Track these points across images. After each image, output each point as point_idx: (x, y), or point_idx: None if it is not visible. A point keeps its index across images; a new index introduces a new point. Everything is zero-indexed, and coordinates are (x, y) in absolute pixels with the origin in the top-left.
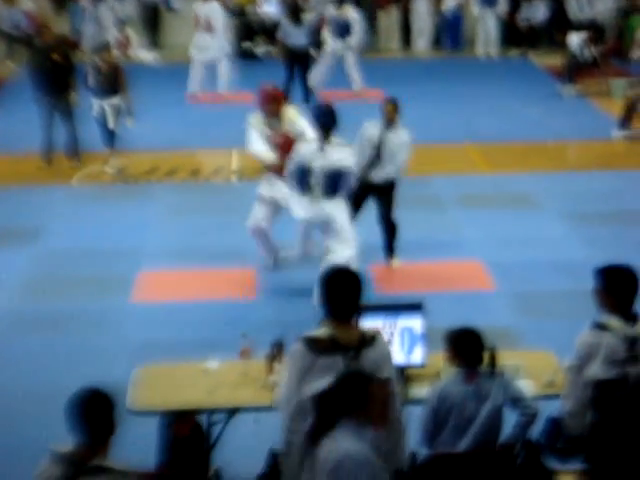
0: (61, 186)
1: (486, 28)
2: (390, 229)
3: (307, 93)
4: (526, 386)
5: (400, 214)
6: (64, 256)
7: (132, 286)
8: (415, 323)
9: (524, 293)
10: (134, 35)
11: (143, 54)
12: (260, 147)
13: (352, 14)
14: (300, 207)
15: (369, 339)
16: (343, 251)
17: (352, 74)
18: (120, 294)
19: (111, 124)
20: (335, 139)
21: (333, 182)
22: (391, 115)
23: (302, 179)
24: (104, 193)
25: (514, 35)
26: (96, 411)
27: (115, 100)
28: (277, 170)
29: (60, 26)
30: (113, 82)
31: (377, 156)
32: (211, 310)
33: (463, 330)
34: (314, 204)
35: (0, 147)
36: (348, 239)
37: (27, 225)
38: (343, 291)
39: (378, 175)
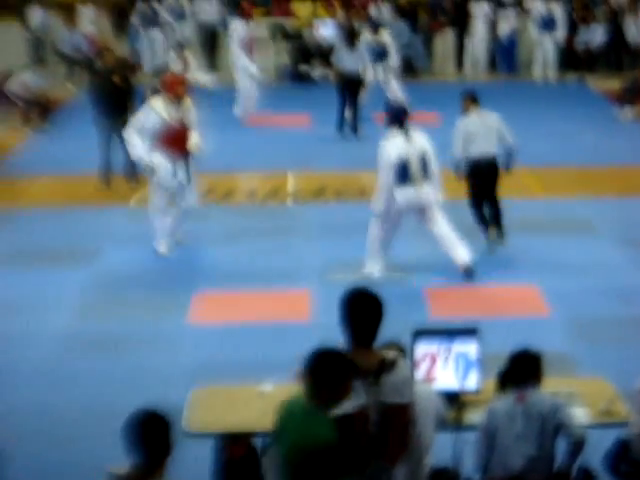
0: (119, 207)
1: (544, 52)
2: (498, 206)
3: (356, 119)
4: (580, 414)
5: None
6: (122, 277)
7: (188, 307)
8: (470, 348)
9: (580, 319)
10: (192, 57)
11: (200, 76)
12: (140, 150)
13: (387, 38)
14: (403, 198)
15: (389, 364)
16: (446, 229)
17: (397, 97)
18: (177, 315)
19: None
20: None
21: (425, 165)
22: (466, 106)
23: (404, 171)
24: None
25: (572, 59)
26: (153, 432)
27: None
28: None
29: (120, 49)
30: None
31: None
32: (267, 332)
33: (517, 351)
34: (417, 190)
35: (59, 168)
36: (442, 219)
37: (85, 246)
38: (363, 316)
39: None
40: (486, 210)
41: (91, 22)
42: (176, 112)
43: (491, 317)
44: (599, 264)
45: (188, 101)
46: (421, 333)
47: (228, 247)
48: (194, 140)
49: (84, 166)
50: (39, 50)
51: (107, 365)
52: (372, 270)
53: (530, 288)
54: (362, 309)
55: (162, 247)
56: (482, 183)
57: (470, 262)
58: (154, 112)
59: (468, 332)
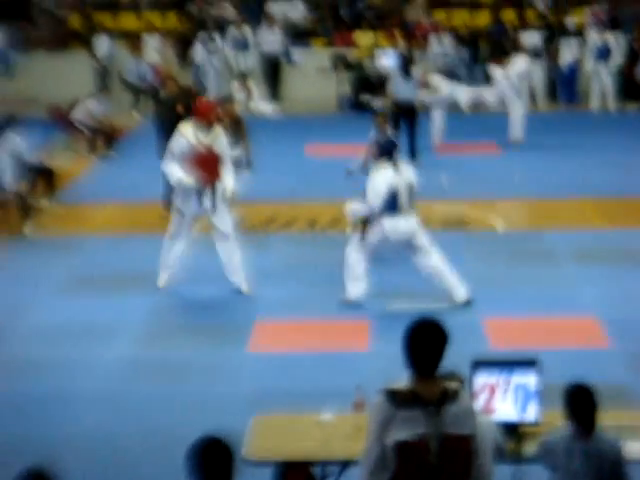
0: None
1: (601, 82)
2: None
3: (414, 149)
4: (638, 448)
5: (515, 268)
6: (183, 304)
7: (249, 335)
8: (529, 380)
9: (635, 351)
10: (255, 87)
11: (263, 106)
12: (179, 173)
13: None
14: (391, 227)
15: (451, 394)
16: (436, 259)
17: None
18: (237, 343)
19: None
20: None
21: (412, 195)
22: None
23: (393, 201)
24: None
25: (632, 89)
26: (215, 460)
27: (235, 152)
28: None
29: (184, 78)
30: (234, 134)
31: None
32: (326, 361)
33: (576, 387)
34: (405, 220)
35: (123, 196)
36: (431, 247)
37: (148, 272)
38: (426, 346)
39: None
40: None
41: (156, 51)
42: (205, 138)
43: (551, 348)
44: None
45: (218, 129)
46: (480, 364)
47: (289, 275)
48: (226, 177)
49: (148, 194)
50: (105, 78)
51: (168, 392)
52: (354, 294)
53: (590, 319)
54: (427, 339)
55: (161, 281)
56: None
57: (465, 295)
58: (183, 137)
59: (527, 363)
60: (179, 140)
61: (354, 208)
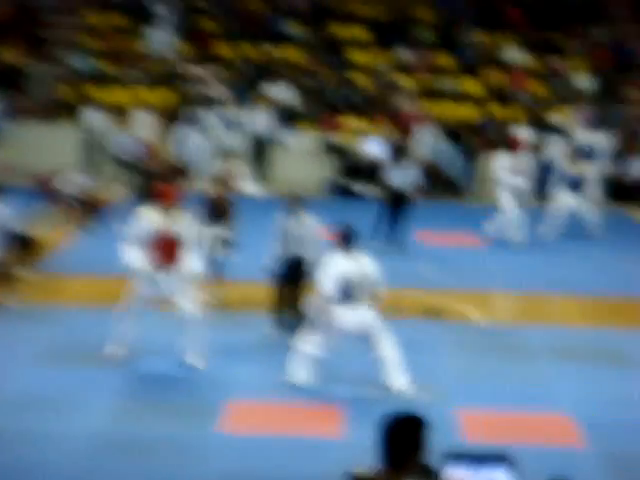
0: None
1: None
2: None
3: (401, 237)
4: None
5: (492, 362)
6: (154, 380)
7: (219, 416)
8: (499, 476)
9: (616, 453)
10: (242, 166)
11: (248, 186)
12: (129, 256)
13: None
14: (344, 316)
15: None
16: (392, 350)
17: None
18: (207, 423)
19: (214, 253)
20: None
21: (367, 285)
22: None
23: (346, 290)
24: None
25: (620, 190)
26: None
27: (219, 230)
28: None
29: (169, 153)
30: (221, 213)
31: None
32: (297, 445)
33: None
34: (357, 311)
35: (101, 267)
36: (387, 337)
37: (118, 347)
38: (400, 441)
39: None
40: None
41: (143, 125)
42: (164, 221)
43: (523, 445)
44: (629, 397)
45: (179, 212)
46: (450, 456)
47: (264, 356)
48: (187, 258)
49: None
50: (91, 150)
51: (138, 470)
52: (300, 380)
53: (564, 418)
54: (397, 433)
55: (109, 349)
56: None
57: (404, 386)
58: (143, 219)
59: (498, 458)
60: (139, 222)
61: (320, 293)
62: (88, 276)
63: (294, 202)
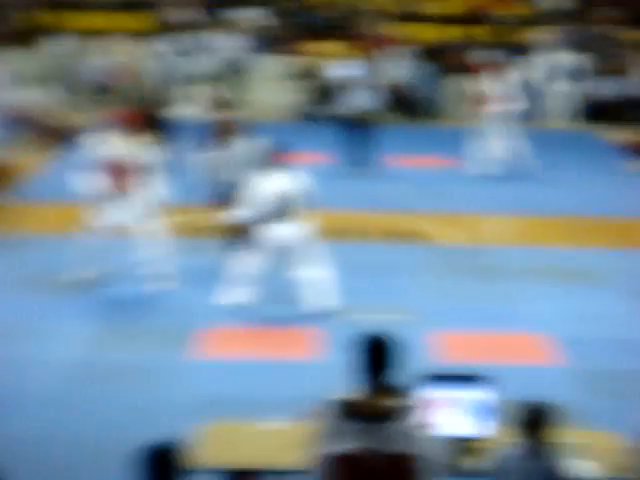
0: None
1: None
2: None
3: (365, 159)
4: (589, 467)
5: (460, 284)
6: (126, 306)
7: (194, 341)
8: (478, 395)
9: (593, 370)
10: (212, 91)
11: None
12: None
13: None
14: (273, 233)
15: (397, 410)
16: (318, 270)
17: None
18: (181, 349)
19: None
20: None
21: (298, 202)
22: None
23: (278, 208)
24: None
25: (598, 109)
26: (160, 467)
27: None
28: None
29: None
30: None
31: None
32: (276, 369)
33: (529, 404)
34: (288, 228)
35: (72, 194)
36: (315, 255)
37: (87, 274)
38: (375, 360)
39: None
40: None
41: (119, 50)
42: (125, 147)
43: (503, 364)
44: (606, 315)
45: (142, 137)
46: (428, 378)
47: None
48: (151, 184)
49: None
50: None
51: (112, 396)
52: (242, 299)
53: (544, 337)
54: (376, 353)
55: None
56: None
57: (334, 306)
58: (104, 144)
59: (477, 378)
60: (97, 147)
61: (237, 214)
62: (56, 203)
63: (224, 128)
